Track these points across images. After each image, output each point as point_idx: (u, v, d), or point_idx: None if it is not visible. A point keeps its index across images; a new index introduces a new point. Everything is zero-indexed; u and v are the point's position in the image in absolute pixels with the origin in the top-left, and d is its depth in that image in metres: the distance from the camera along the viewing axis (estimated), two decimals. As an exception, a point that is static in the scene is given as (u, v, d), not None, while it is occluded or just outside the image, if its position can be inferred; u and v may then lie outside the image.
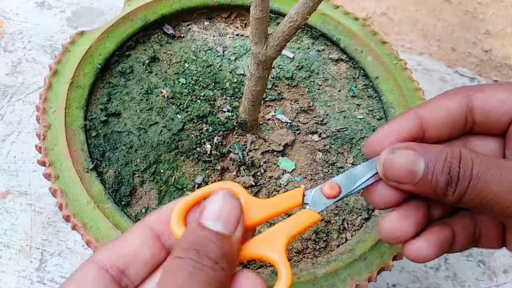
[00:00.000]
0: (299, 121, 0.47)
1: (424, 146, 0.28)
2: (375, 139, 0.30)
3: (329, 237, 0.40)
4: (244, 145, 0.44)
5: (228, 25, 0.54)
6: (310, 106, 0.48)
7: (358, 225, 0.41)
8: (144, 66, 0.47)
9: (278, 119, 0.47)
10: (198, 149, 0.43)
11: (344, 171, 0.44)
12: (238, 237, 0.27)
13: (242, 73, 0.50)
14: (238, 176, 0.42)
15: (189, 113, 0.45)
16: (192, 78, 0.48)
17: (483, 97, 0.29)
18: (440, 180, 0.26)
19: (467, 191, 0.26)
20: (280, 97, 0.48)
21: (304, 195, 0.30)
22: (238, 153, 0.43)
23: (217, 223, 0.26)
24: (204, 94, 0.47)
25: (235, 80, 0.49)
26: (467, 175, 0.26)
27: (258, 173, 0.43)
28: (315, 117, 0.48)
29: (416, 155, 0.27)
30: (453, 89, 0.30)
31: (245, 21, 0.55)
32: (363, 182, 0.30)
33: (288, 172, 0.43)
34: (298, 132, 0.46)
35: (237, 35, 0.53)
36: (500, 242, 0.31)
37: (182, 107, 0.45)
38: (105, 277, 0.26)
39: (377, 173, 0.29)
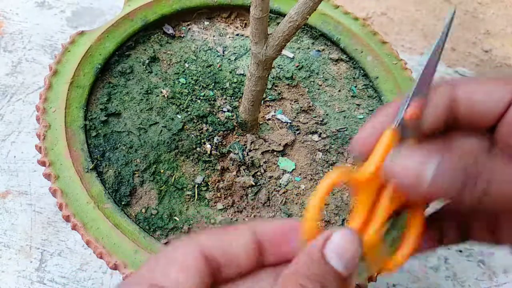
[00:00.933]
0: (299, 121, 0.47)
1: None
2: (363, 139, 0.27)
3: (329, 237, 0.40)
4: (244, 145, 0.44)
5: (228, 25, 0.54)
6: (310, 106, 0.48)
7: (358, 225, 0.41)
8: (144, 66, 0.47)
9: (278, 119, 0.47)
10: (198, 149, 0.43)
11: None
12: (352, 283, 0.25)
13: (242, 73, 0.50)
14: (238, 176, 0.42)
15: (189, 113, 0.45)
16: (192, 78, 0.48)
17: (468, 89, 0.27)
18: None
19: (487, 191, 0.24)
20: (280, 97, 0.48)
21: None
22: (238, 153, 0.43)
23: (340, 262, 0.25)
24: (204, 94, 0.47)
25: (235, 80, 0.49)
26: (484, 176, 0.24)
27: (258, 173, 0.43)
28: (315, 117, 0.48)
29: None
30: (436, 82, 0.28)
31: (245, 21, 0.55)
32: None
33: (288, 172, 0.43)
34: (298, 132, 0.46)
35: (237, 35, 0.53)
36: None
37: (182, 107, 0.45)
38: (206, 267, 0.24)
39: None
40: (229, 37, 0.53)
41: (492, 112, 0.26)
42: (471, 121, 0.27)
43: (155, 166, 0.41)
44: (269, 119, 0.46)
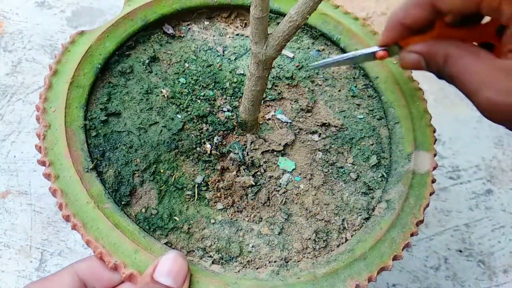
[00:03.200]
0: (299, 121, 0.47)
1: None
2: (387, 32, 0.38)
3: (329, 237, 0.40)
4: (244, 145, 0.44)
5: (228, 25, 0.54)
6: (310, 106, 0.48)
7: (358, 225, 0.41)
8: (144, 66, 0.47)
9: (278, 119, 0.47)
10: (198, 149, 0.43)
11: (344, 171, 0.44)
12: None
13: (242, 73, 0.50)
14: (238, 176, 0.42)
15: (189, 113, 0.45)
16: (192, 78, 0.48)
17: None
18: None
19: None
20: (280, 97, 0.48)
21: None
22: (238, 153, 0.43)
23: (168, 278, 0.32)
24: (204, 94, 0.47)
25: (235, 80, 0.49)
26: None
27: (258, 173, 0.43)
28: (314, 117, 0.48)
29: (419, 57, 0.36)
30: None
31: (245, 21, 0.55)
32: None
33: (288, 172, 0.43)
34: (298, 132, 0.46)
35: (237, 35, 0.53)
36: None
37: (182, 107, 0.45)
38: None
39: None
40: (229, 37, 0.53)
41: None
42: (453, 14, 0.35)
43: (155, 166, 0.41)
44: (269, 119, 0.46)
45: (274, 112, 0.47)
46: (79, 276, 0.34)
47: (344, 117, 0.48)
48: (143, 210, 0.39)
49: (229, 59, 0.51)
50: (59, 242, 0.57)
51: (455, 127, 0.74)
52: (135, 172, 0.40)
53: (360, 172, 0.44)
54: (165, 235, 0.38)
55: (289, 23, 0.34)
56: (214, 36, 0.52)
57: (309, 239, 0.40)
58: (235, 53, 0.51)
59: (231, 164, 0.43)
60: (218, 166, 0.42)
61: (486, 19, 0.36)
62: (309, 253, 0.39)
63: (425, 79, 0.53)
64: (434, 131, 0.46)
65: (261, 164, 0.43)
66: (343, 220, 0.41)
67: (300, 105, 0.48)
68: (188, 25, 0.53)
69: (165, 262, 0.33)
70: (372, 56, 0.41)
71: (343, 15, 0.53)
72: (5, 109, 0.67)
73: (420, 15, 0.34)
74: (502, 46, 0.32)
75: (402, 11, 0.36)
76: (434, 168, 0.43)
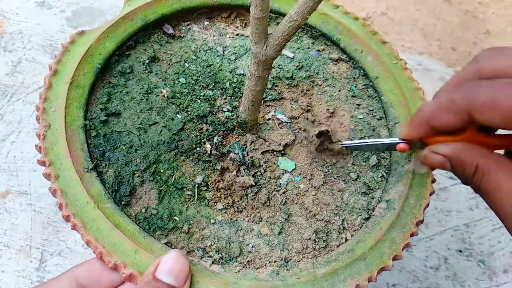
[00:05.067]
0: (299, 121, 0.47)
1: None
2: (412, 128, 0.36)
3: (329, 237, 0.40)
4: (244, 145, 0.44)
5: (228, 25, 0.54)
6: (309, 106, 0.48)
7: (358, 225, 0.41)
8: (144, 66, 0.47)
9: (278, 119, 0.47)
10: (198, 149, 0.43)
11: (344, 171, 0.44)
12: None
13: (242, 73, 0.50)
14: (238, 176, 0.42)
15: (189, 113, 0.45)
16: (192, 78, 0.48)
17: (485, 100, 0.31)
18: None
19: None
20: (280, 97, 0.48)
21: None
22: (238, 153, 0.43)
23: (170, 277, 0.32)
24: (204, 94, 0.47)
25: (235, 80, 0.49)
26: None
27: (258, 173, 0.43)
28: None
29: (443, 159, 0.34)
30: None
31: (245, 21, 0.55)
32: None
33: (288, 172, 0.43)
34: (298, 132, 0.46)
35: (237, 35, 0.53)
36: None
37: (182, 107, 0.45)
38: None
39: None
40: (229, 37, 0.53)
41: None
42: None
43: (155, 166, 0.41)
44: (269, 119, 0.46)
45: (274, 112, 0.47)
46: (78, 281, 0.34)
47: (344, 116, 0.48)
48: (143, 210, 0.39)
49: (229, 59, 0.51)
50: (59, 242, 0.57)
51: (455, 127, 0.74)
52: (135, 172, 0.40)
53: (360, 172, 0.44)
54: (165, 235, 0.38)
55: (289, 23, 0.34)
56: (214, 36, 0.52)
57: (309, 239, 0.40)
58: (235, 53, 0.51)
59: (231, 164, 0.43)
60: (218, 166, 0.42)
61: None
62: (309, 253, 0.39)
63: (425, 79, 0.53)
64: (434, 131, 0.46)
65: (261, 164, 0.43)
66: (343, 220, 0.41)
67: (300, 105, 0.48)
68: (188, 25, 0.53)
69: (167, 261, 0.33)
70: (393, 146, 0.39)
71: (343, 15, 0.53)
72: (5, 109, 0.67)
73: (453, 122, 0.31)
74: None
75: (433, 112, 0.32)
76: (434, 168, 0.43)
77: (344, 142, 0.43)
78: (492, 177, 0.30)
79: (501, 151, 0.35)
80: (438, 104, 0.32)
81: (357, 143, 0.42)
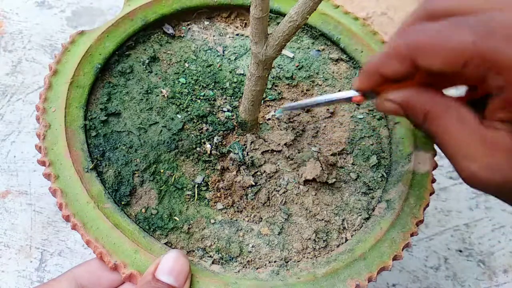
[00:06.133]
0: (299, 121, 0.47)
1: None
2: (363, 79, 0.34)
3: (329, 237, 0.40)
4: (244, 145, 0.44)
5: (228, 25, 0.54)
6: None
7: (358, 225, 0.41)
8: (144, 66, 0.47)
9: (278, 119, 0.47)
10: (198, 149, 0.43)
11: (344, 171, 0.44)
12: None
13: (242, 72, 0.50)
14: (238, 176, 0.42)
15: (189, 113, 0.45)
16: (192, 78, 0.48)
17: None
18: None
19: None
20: (280, 97, 0.48)
21: None
22: (238, 153, 0.43)
23: (170, 277, 0.32)
24: (204, 94, 0.47)
25: (235, 80, 0.49)
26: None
27: (258, 173, 0.43)
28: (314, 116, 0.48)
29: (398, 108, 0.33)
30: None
31: (245, 21, 0.55)
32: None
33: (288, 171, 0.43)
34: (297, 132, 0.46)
35: (237, 34, 0.53)
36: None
37: (182, 107, 0.45)
38: None
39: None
40: (229, 37, 0.53)
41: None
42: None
43: (155, 166, 0.41)
44: (269, 119, 0.46)
45: (274, 112, 0.47)
46: (78, 281, 0.34)
47: (344, 116, 0.48)
48: (143, 210, 0.39)
49: (229, 59, 0.51)
50: (59, 242, 0.57)
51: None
52: (135, 172, 0.40)
53: (360, 172, 0.44)
54: (165, 235, 0.38)
55: (289, 23, 0.34)
56: (214, 36, 0.52)
57: (309, 239, 0.40)
58: (235, 53, 0.51)
59: (231, 164, 0.43)
60: (218, 166, 0.42)
61: None
62: (309, 253, 0.39)
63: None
64: (434, 131, 0.46)
65: (261, 164, 0.43)
66: (343, 220, 0.41)
67: (300, 105, 0.48)
68: (188, 25, 0.53)
69: (167, 261, 0.33)
70: (349, 99, 0.37)
71: (343, 15, 0.53)
72: (5, 109, 0.67)
73: (400, 69, 0.31)
74: (489, 112, 0.29)
75: (380, 61, 0.32)
76: (434, 168, 0.43)
77: (287, 105, 0.40)
78: (441, 122, 0.30)
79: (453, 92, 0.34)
80: (384, 53, 0.32)
81: (308, 103, 0.39)
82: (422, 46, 0.29)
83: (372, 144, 0.46)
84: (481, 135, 0.28)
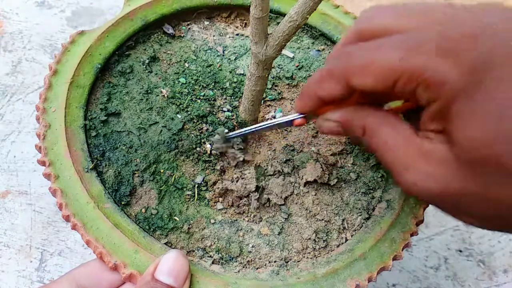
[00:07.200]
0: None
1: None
2: (302, 102, 0.35)
3: (329, 237, 0.40)
4: (244, 145, 0.44)
5: (228, 25, 0.54)
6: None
7: (358, 225, 0.41)
8: (144, 66, 0.47)
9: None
10: (198, 149, 0.43)
11: (344, 171, 0.44)
12: None
13: (242, 72, 0.50)
14: (237, 176, 0.42)
15: (189, 113, 0.45)
16: (192, 78, 0.48)
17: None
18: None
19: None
20: (280, 97, 0.48)
21: None
22: (238, 153, 0.43)
23: (169, 278, 0.32)
24: (204, 93, 0.47)
25: (235, 79, 0.49)
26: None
27: (258, 173, 0.43)
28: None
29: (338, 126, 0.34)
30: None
31: (245, 21, 0.55)
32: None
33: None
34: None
35: (237, 34, 0.53)
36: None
37: (182, 106, 0.45)
38: None
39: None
40: (229, 37, 0.53)
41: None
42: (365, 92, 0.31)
43: (155, 166, 0.41)
44: (269, 119, 0.46)
45: (274, 112, 0.47)
46: (78, 282, 0.34)
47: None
48: (143, 210, 0.39)
49: (229, 59, 0.51)
50: (59, 242, 0.57)
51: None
52: (135, 172, 0.40)
53: (360, 172, 0.44)
54: (165, 235, 0.38)
55: (289, 23, 0.34)
56: (214, 36, 0.52)
57: (309, 239, 0.40)
58: (235, 53, 0.51)
59: (231, 164, 0.43)
60: (218, 166, 0.42)
61: None
62: (309, 253, 0.39)
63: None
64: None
65: (261, 164, 0.43)
66: (343, 220, 0.41)
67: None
68: (188, 25, 0.53)
69: (166, 261, 0.33)
70: (290, 123, 0.37)
71: (343, 15, 0.53)
72: (5, 109, 0.67)
73: (336, 91, 0.31)
74: (423, 123, 0.29)
75: (317, 84, 0.32)
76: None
77: (234, 133, 0.41)
78: (379, 134, 0.30)
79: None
80: (319, 75, 0.32)
81: (252, 129, 0.40)
82: (353, 67, 0.29)
83: (372, 144, 0.46)
84: (417, 146, 0.28)
